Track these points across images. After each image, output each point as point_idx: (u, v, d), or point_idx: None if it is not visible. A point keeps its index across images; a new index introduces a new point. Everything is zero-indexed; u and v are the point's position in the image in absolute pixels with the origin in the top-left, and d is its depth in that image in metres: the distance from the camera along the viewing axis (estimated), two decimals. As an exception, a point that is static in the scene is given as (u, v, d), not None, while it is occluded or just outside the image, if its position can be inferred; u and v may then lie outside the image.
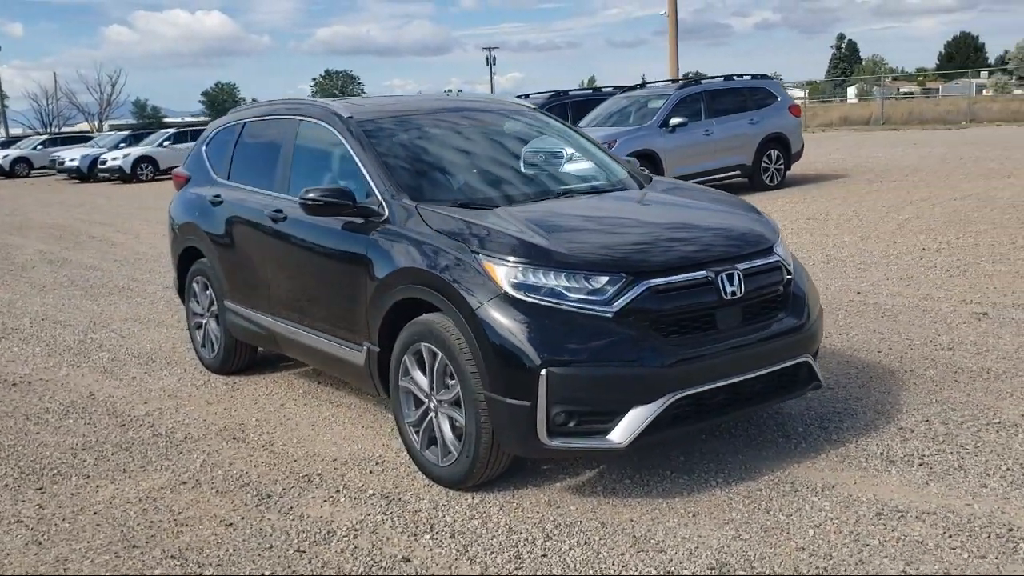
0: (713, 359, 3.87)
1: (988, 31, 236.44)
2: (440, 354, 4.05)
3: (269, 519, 4.02)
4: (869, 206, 12.81)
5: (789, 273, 4.37)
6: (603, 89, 18.26)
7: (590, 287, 3.81)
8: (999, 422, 4.60)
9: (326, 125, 5.18)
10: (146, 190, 26.98)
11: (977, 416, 4.70)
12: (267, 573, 3.54)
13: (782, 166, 15.93)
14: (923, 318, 6.68)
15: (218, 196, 6.00)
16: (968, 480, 3.98)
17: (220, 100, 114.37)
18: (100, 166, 31.75)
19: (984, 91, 66.29)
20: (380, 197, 4.58)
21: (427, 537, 3.76)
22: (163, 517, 4.10)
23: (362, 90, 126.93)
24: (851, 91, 74.32)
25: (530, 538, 3.70)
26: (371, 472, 4.48)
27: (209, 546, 3.80)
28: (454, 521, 3.89)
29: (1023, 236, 9.69)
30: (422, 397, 4.28)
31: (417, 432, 4.34)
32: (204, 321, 6.37)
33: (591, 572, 3.41)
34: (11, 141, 47.09)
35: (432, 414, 4.23)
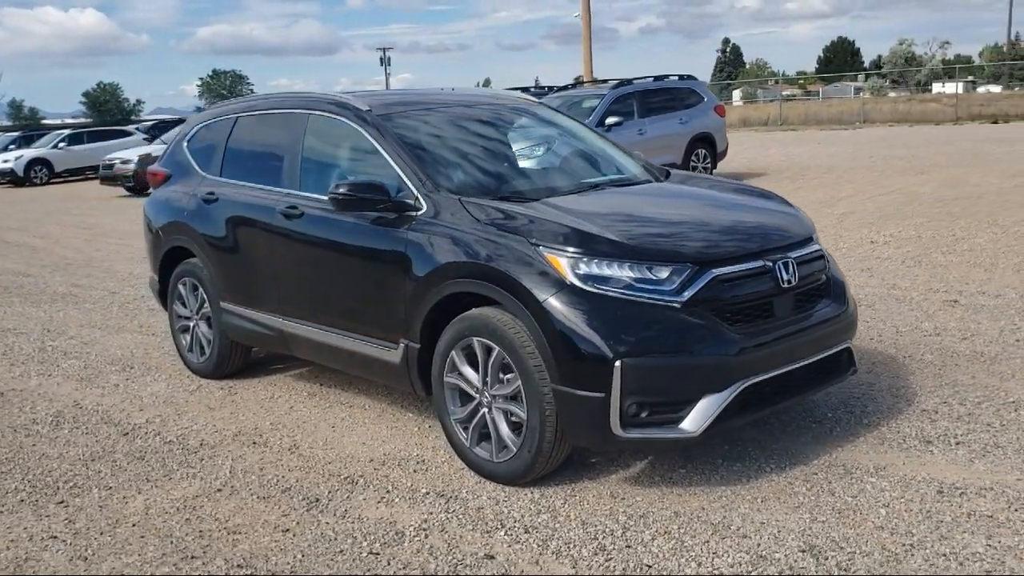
0: (775, 346, 3.94)
1: (862, 36, 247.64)
2: (497, 348, 4.00)
3: (327, 523, 3.89)
4: (801, 202, 13.20)
5: (828, 262, 4.48)
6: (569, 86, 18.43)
7: (656, 277, 3.82)
8: (1014, 401, 4.82)
9: (342, 119, 5.05)
10: (44, 193, 25.78)
11: (991, 396, 4.90)
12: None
13: (709, 164, 16.31)
14: (899, 306, 6.94)
15: (212, 194, 5.78)
16: (1008, 457, 4.15)
17: (102, 101, 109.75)
18: (-11, 169, 30.16)
19: (861, 93, 69.26)
20: (415, 191, 4.49)
21: (501, 533, 3.71)
22: (211, 526, 3.92)
23: (251, 90, 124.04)
24: (736, 94, 76.50)
25: (608, 530, 3.69)
26: (416, 471, 4.39)
27: (273, 553, 3.65)
28: (522, 516, 3.85)
29: (959, 228, 10.17)
30: (472, 393, 4.22)
31: (466, 429, 4.27)
32: (192, 324, 6.13)
33: (682, 560, 3.42)
34: None
35: (484, 410, 4.17)
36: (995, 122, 32.72)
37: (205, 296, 5.93)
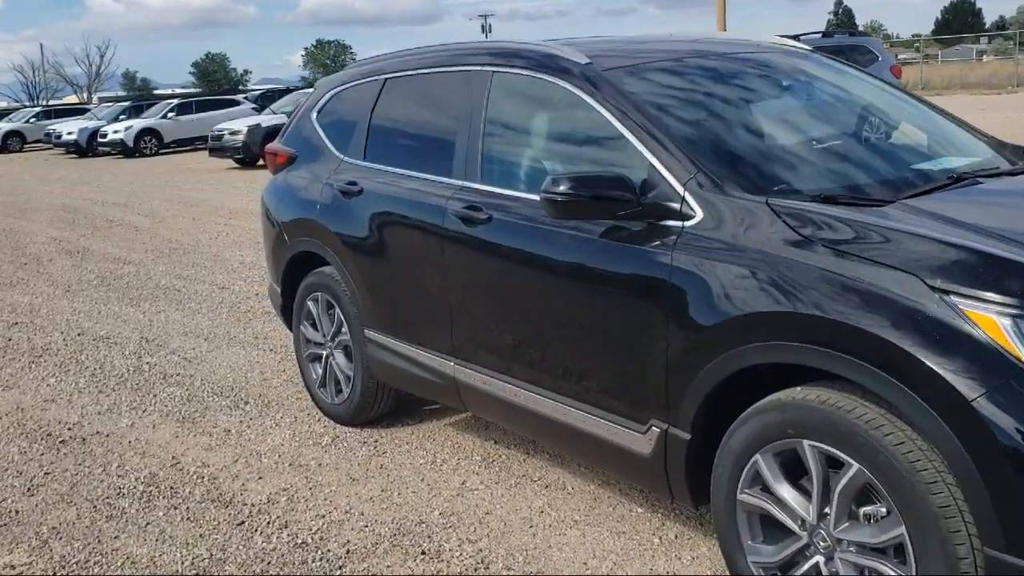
0: None
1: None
2: (854, 465, 2.35)
3: None
4: None
5: None
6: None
7: None
8: None
9: (548, 78, 3.44)
10: (153, 165, 25.05)
11: None
12: None
13: (882, 134, 14.21)
14: None
15: (354, 184, 4.26)
16: None
17: (211, 71, 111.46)
18: (100, 140, 29.70)
19: (984, 57, 64.54)
20: (681, 189, 2.86)
21: None
22: None
23: (353, 59, 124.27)
24: (849, 58, 72.30)
25: None
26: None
27: None
28: None
29: None
30: (792, 526, 2.58)
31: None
32: (325, 354, 4.64)
33: None
34: (1, 114, 44.87)
35: (817, 559, 2.53)
36: None
37: (343, 319, 4.43)
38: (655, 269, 2.82)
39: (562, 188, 2.91)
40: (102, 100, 64.41)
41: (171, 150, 29.71)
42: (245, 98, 33.34)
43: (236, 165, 21.88)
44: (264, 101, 31.78)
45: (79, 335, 6.77)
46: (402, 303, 4.03)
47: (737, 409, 2.68)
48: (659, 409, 2.87)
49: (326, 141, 4.64)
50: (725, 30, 26.73)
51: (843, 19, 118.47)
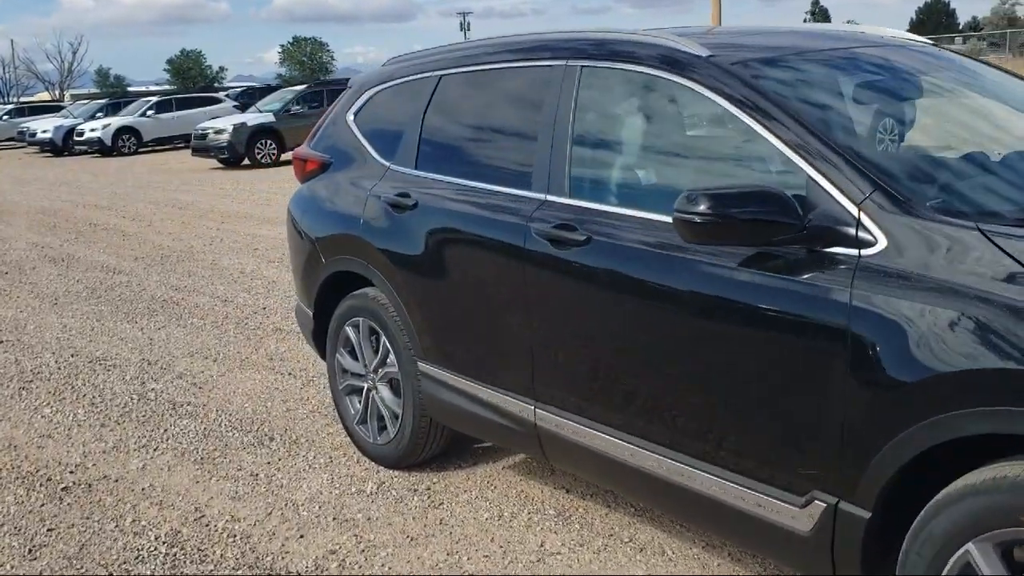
0: None
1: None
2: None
3: None
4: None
5: None
6: None
7: None
8: None
9: (656, 72, 2.92)
10: (132, 164, 24.27)
11: None
12: None
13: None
14: None
15: (406, 196, 3.71)
16: None
17: (186, 68, 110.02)
18: (76, 138, 28.85)
19: (960, 57, 64.90)
20: (854, 208, 2.34)
21: None
22: None
23: (331, 57, 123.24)
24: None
25: None
26: None
27: None
28: None
29: None
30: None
31: None
32: (367, 387, 4.08)
33: None
34: (-29, 111, 43.70)
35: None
36: None
37: (391, 348, 3.88)
38: (828, 309, 2.29)
39: (703, 207, 2.38)
40: (75, 97, 63.25)
41: (150, 149, 28.91)
42: (227, 95, 32.54)
43: (220, 165, 21.21)
44: (245, 99, 31.05)
45: (72, 356, 6.17)
46: (467, 334, 3.49)
47: (927, 484, 2.16)
48: (826, 480, 2.35)
49: (367, 147, 4.09)
50: (720, 19, 26.32)
51: (819, 18, 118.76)
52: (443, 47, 4.04)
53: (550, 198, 3.13)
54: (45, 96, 74.97)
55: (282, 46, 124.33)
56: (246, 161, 20.68)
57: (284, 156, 20.98)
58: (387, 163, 3.94)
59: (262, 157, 20.71)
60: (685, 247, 2.59)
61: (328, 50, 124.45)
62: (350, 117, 4.27)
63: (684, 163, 2.91)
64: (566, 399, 3.08)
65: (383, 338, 3.91)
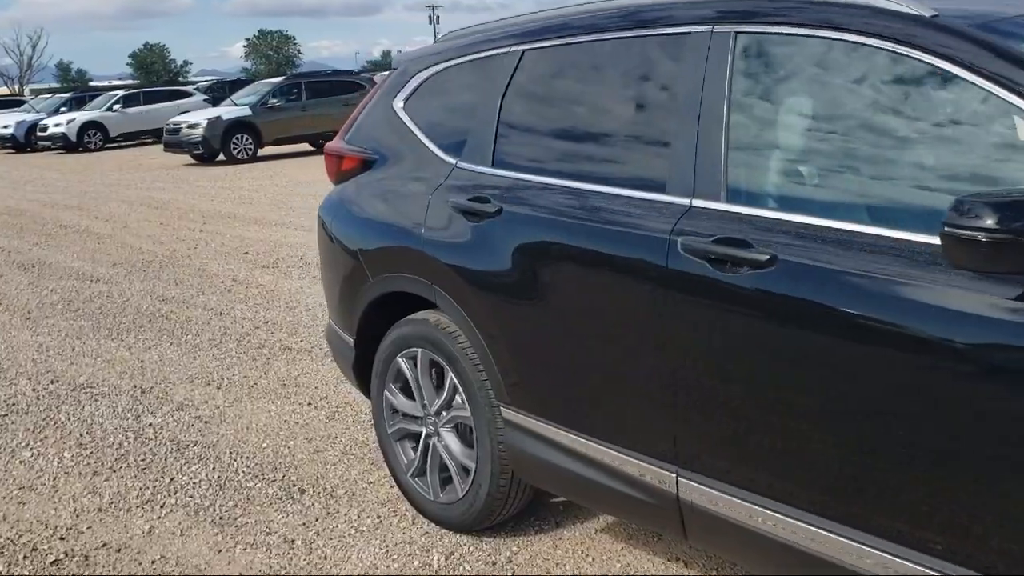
0: None
1: None
2: None
3: None
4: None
5: None
6: None
7: None
8: None
9: (852, 36, 2.20)
10: (100, 161, 23.20)
11: None
12: None
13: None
14: None
15: (484, 201, 2.97)
16: None
17: (150, 62, 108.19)
18: (40, 133, 27.65)
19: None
20: None
21: None
22: None
23: (298, 51, 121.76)
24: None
25: None
26: None
27: None
28: None
29: None
30: None
31: None
32: (426, 431, 3.34)
33: None
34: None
35: None
36: None
37: (460, 387, 3.13)
38: None
39: (989, 222, 1.69)
40: (35, 92, 61.52)
41: (117, 145, 27.78)
42: (196, 89, 31.47)
43: (194, 161, 20.26)
44: (216, 92, 30.02)
45: (52, 383, 5.36)
46: (573, 375, 2.76)
47: None
48: None
49: (425, 140, 3.35)
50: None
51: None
52: (521, 15, 3.30)
53: (697, 204, 2.41)
54: (3, 91, 73.12)
55: (248, 39, 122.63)
56: (221, 157, 19.76)
57: (261, 152, 20.11)
58: (452, 160, 3.20)
59: (238, 152, 19.80)
60: (933, 276, 1.89)
61: (295, 43, 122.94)
62: (399, 104, 3.52)
63: (911, 157, 2.19)
64: (726, 468, 2.37)
65: (450, 374, 3.17)
